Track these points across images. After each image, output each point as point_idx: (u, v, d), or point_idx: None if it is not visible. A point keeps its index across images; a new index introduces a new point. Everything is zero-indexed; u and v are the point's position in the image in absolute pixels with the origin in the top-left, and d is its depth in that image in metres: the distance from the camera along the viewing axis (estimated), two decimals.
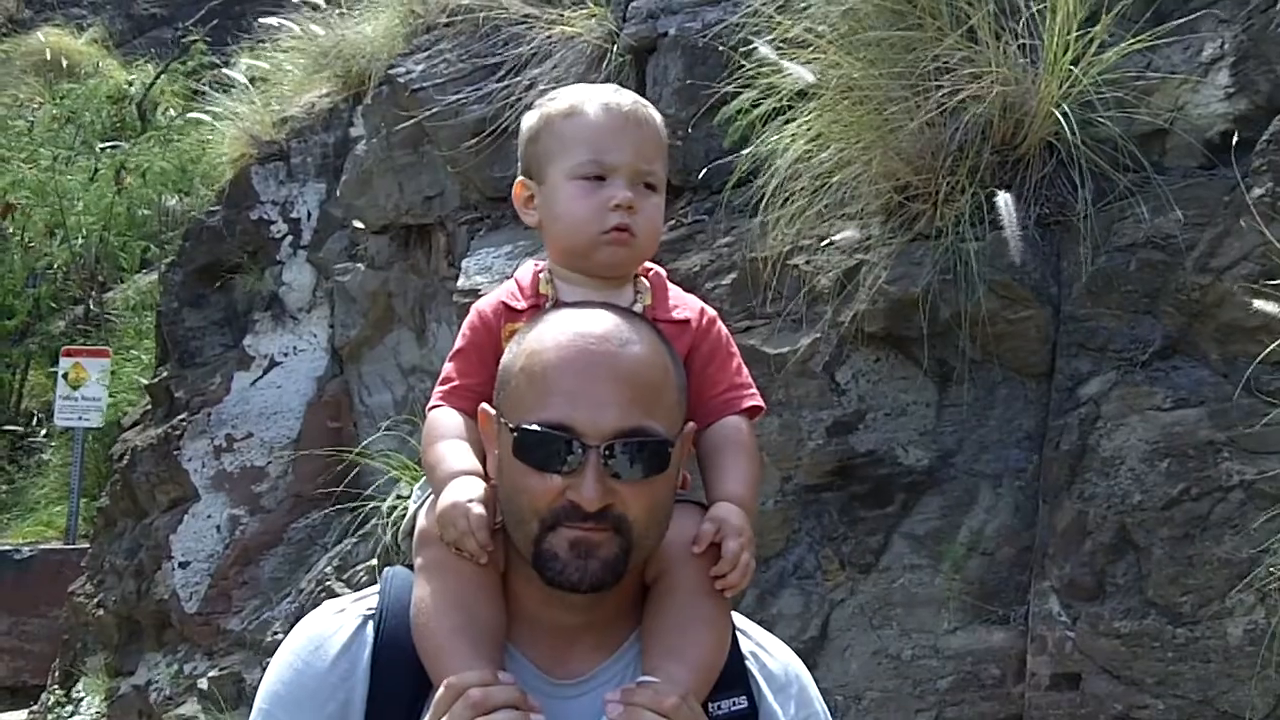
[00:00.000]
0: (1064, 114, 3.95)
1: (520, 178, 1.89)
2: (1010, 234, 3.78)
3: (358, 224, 7.18)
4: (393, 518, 6.18)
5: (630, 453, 1.57)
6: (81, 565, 8.38)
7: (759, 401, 1.85)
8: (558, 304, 1.77)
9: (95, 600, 7.86)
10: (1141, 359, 3.70)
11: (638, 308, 1.79)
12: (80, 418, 10.46)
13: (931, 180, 4.08)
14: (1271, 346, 3.40)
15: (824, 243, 4.29)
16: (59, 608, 8.48)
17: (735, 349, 1.87)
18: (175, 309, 8.20)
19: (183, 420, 7.63)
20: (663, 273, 1.89)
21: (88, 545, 8.79)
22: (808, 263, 4.35)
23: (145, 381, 9.08)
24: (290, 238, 7.78)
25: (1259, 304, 3.32)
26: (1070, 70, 4.00)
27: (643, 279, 1.86)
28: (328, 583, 6.50)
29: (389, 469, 6.61)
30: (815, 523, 4.15)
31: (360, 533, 6.59)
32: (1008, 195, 3.83)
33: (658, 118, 1.88)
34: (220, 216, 8.06)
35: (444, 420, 1.80)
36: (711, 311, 1.88)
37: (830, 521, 4.13)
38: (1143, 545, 3.50)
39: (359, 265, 7.22)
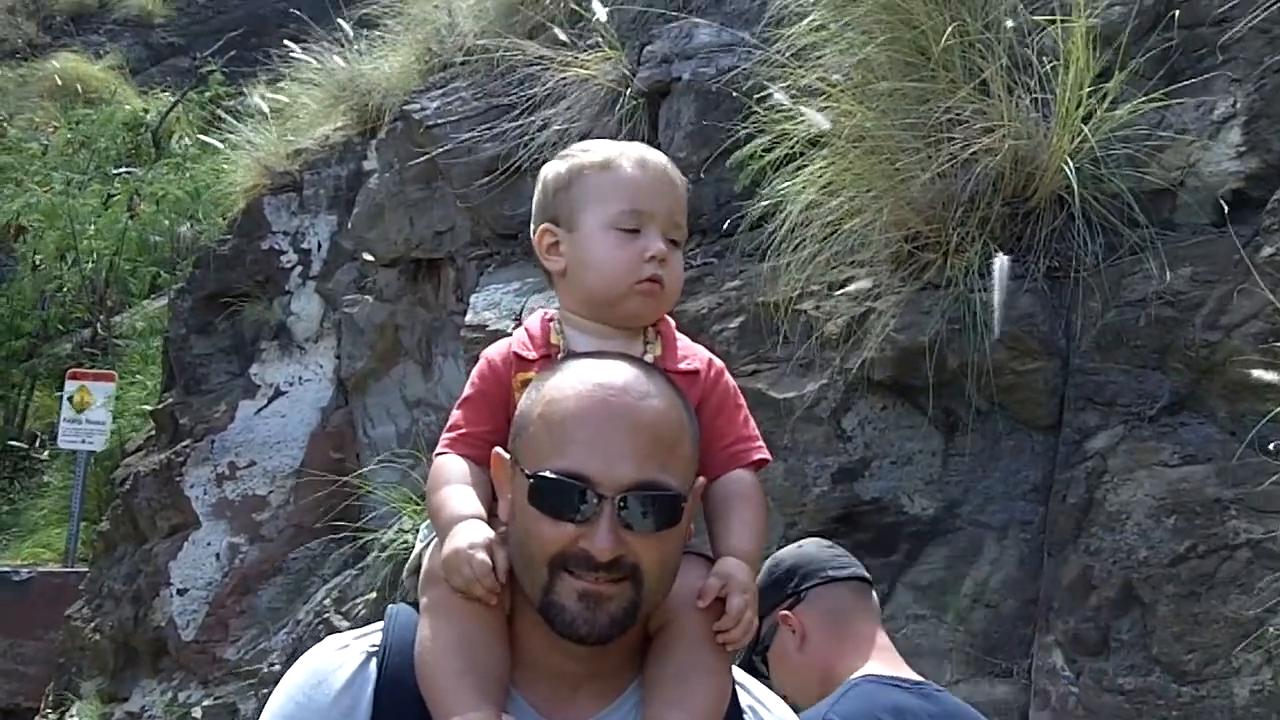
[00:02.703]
0: (1075, 169, 3.95)
1: (545, 225, 1.88)
2: (998, 298, 3.79)
3: (367, 256, 7.19)
4: (390, 551, 6.15)
5: (644, 505, 1.57)
6: (79, 589, 8.34)
7: (766, 454, 1.85)
8: (569, 354, 1.77)
9: (92, 624, 7.81)
10: (1149, 414, 3.67)
11: (648, 358, 1.79)
12: (84, 441, 10.44)
13: (942, 230, 4.07)
14: None
15: (833, 289, 4.28)
16: (55, 631, 8.43)
17: (742, 400, 1.87)
18: (183, 335, 8.21)
19: (186, 447, 7.62)
20: (671, 323, 1.89)
21: (86, 569, 8.74)
22: (817, 308, 4.34)
23: (150, 407, 9.06)
24: (300, 268, 7.81)
25: (1258, 373, 3.31)
26: (1082, 126, 4.00)
27: (651, 328, 1.86)
28: (325, 615, 6.46)
29: (390, 502, 6.59)
30: None
31: (360, 565, 6.56)
32: (1005, 259, 3.83)
33: (683, 179, 1.91)
34: (231, 245, 8.09)
35: (450, 466, 1.79)
36: (719, 362, 1.88)
37: None
38: (1148, 602, 3.47)
39: (367, 297, 7.22)
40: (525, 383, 1.74)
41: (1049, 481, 3.84)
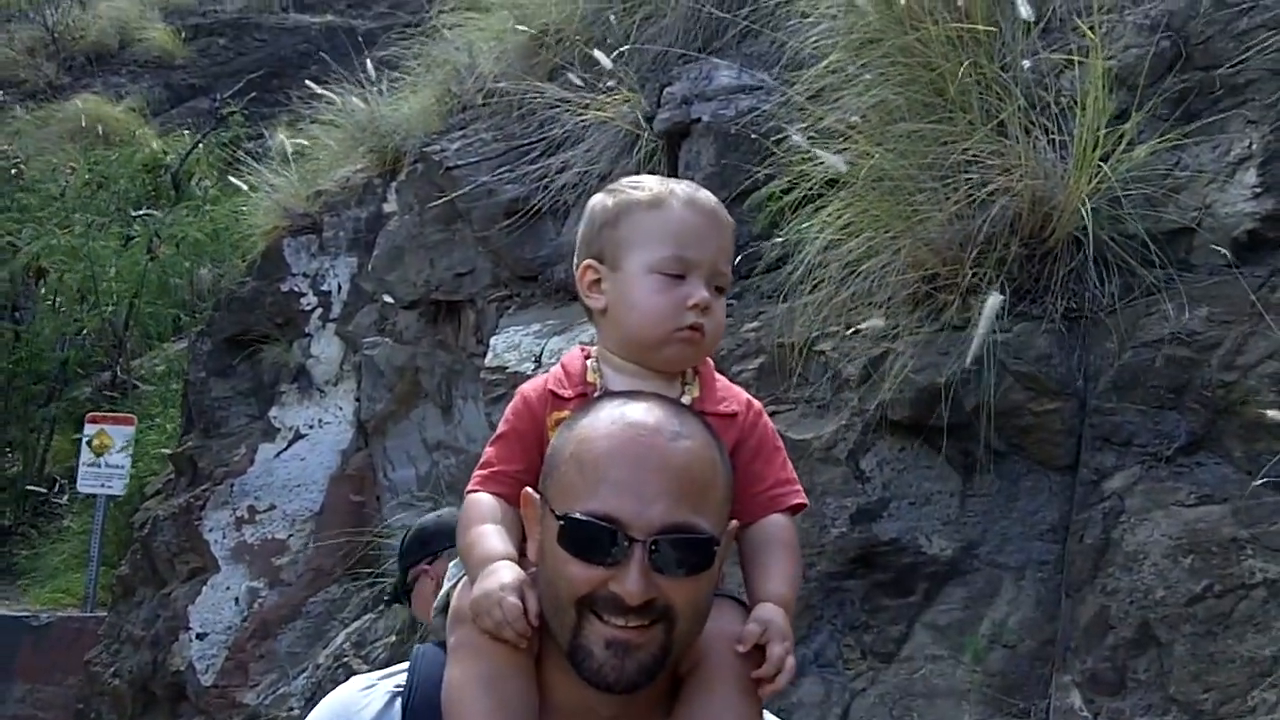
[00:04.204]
0: (1092, 209, 4.05)
1: (588, 260, 1.87)
2: (981, 330, 3.88)
3: (387, 298, 7.31)
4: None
5: (676, 548, 1.57)
6: (98, 633, 8.45)
7: (803, 499, 1.85)
8: (605, 393, 1.77)
9: (111, 669, 7.92)
10: (1166, 454, 3.76)
11: (686, 399, 1.80)
12: (103, 485, 10.57)
13: (959, 271, 4.17)
14: None
15: (850, 330, 4.38)
16: (75, 675, 8.54)
17: (780, 442, 1.87)
18: (202, 378, 8.34)
19: (205, 490, 7.73)
20: (710, 364, 1.89)
21: (105, 613, 8.86)
22: (834, 349, 4.44)
23: (169, 451, 9.19)
24: (320, 310, 7.92)
25: (1274, 413, 3.39)
26: (1099, 166, 4.10)
27: (690, 369, 1.86)
28: (345, 659, 6.55)
29: None
30: (837, 611, 4.20)
31: (379, 609, 6.64)
32: (999, 297, 3.92)
33: (732, 221, 1.90)
34: (251, 287, 8.22)
35: (482, 504, 1.79)
36: (758, 404, 1.88)
37: (852, 610, 4.18)
38: (1165, 641, 3.54)
39: (387, 340, 7.34)
40: (560, 421, 1.74)
41: (1066, 522, 3.93)
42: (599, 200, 1.90)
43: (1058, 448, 4.00)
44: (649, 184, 1.87)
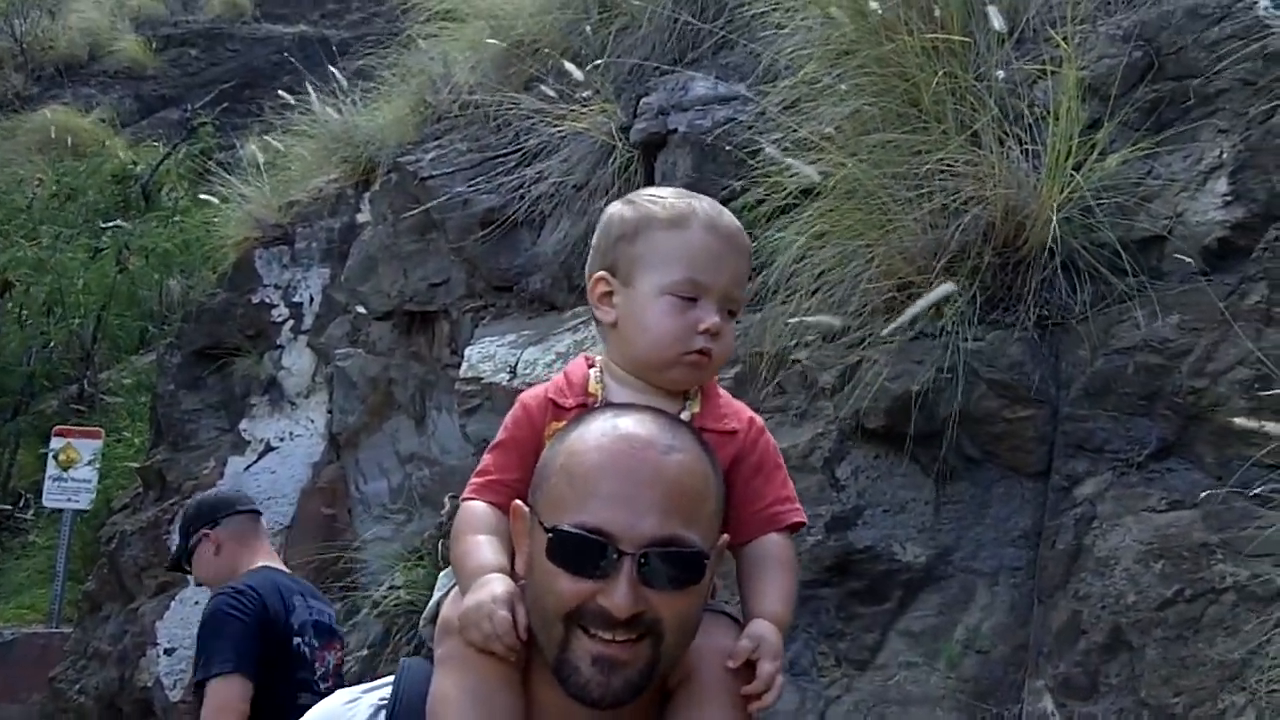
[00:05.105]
0: (1064, 218, 4.13)
1: (601, 272, 1.87)
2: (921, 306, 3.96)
3: (360, 309, 7.35)
4: (383, 608, 6.27)
5: (666, 562, 1.57)
6: (64, 650, 8.43)
7: (802, 517, 1.86)
8: (604, 405, 1.77)
9: (77, 686, 7.90)
10: (1137, 460, 3.83)
11: (685, 415, 1.80)
12: (70, 499, 10.54)
13: (933, 280, 4.24)
14: (1265, 450, 3.53)
15: (825, 339, 4.44)
16: (40, 693, 8.52)
17: (781, 460, 1.88)
18: (171, 391, 8.35)
19: (174, 504, 7.73)
20: (714, 380, 1.89)
21: (71, 629, 8.84)
22: (809, 358, 4.50)
23: (137, 464, 9.18)
24: (291, 322, 7.95)
25: (1243, 420, 3.47)
26: (1072, 175, 4.18)
27: None
28: None
29: (382, 558, 6.71)
30: (812, 619, 4.25)
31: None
32: (950, 286, 4.03)
33: (748, 244, 1.91)
34: (221, 299, 8.25)
35: (476, 513, 1.80)
36: (760, 421, 1.88)
37: (827, 618, 4.23)
38: (1136, 645, 3.61)
39: (360, 351, 7.37)
40: (558, 431, 1.73)
41: (1039, 528, 4.00)
42: (617, 211, 1.89)
43: (1030, 454, 4.07)
44: (670, 200, 1.86)
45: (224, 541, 4.37)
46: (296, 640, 4.19)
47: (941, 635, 4.01)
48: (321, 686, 4.17)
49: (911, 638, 4.06)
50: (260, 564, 4.37)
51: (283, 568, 4.53)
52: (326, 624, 4.40)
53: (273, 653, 4.11)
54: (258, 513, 4.60)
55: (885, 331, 4.15)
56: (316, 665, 4.25)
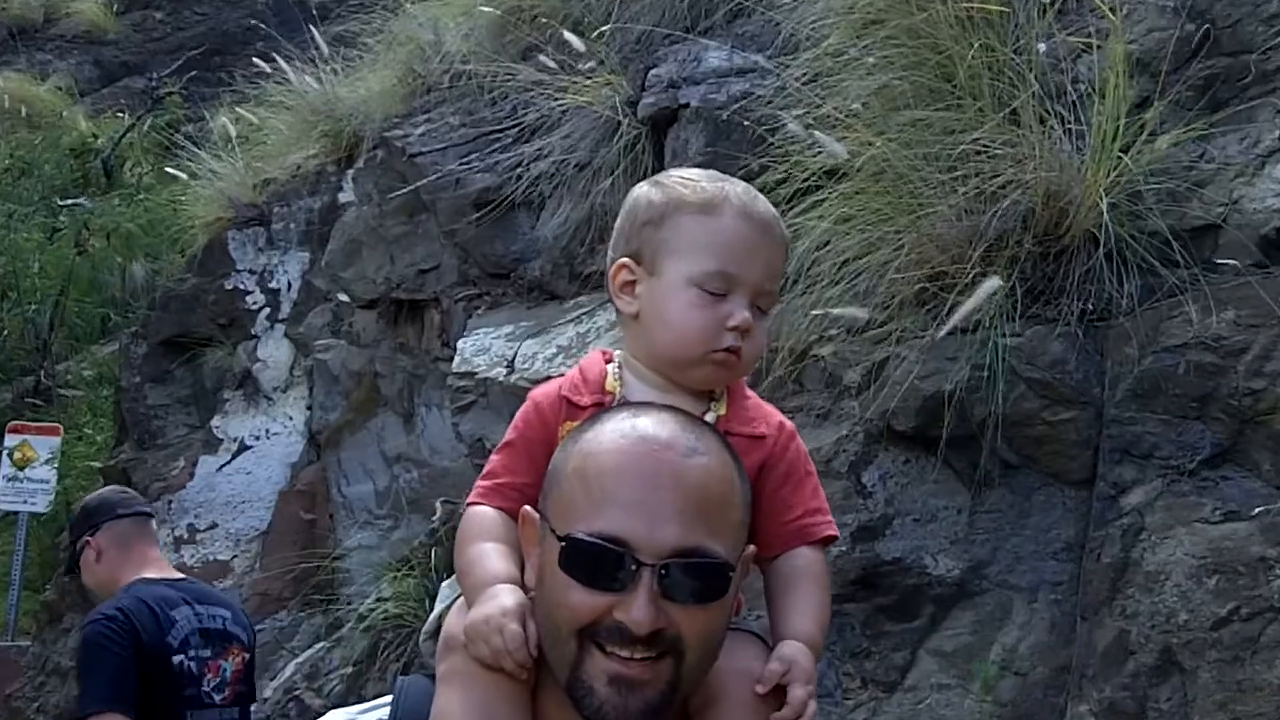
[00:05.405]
0: (1111, 204, 4.13)
1: (624, 259, 1.85)
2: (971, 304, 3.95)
3: (343, 297, 7.33)
4: (369, 622, 6.28)
5: (688, 574, 1.55)
6: (22, 664, 8.44)
7: (834, 530, 1.84)
8: (623, 403, 1.75)
9: (35, 704, 7.92)
10: (1189, 467, 3.85)
11: (710, 417, 1.77)
12: (25, 501, 10.52)
13: (967, 270, 4.25)
14: None
15: (851, 334, 4.45)
16: None
17: (812, 468, 1.86)
18: (137, 384, 8.34)
19: None
20: (742, 381, 1.86)
21: (29, 643, 8.85)
22: (833, 354, 4.51)
23: (100, 464, 9.18)
24: (267, 310, 7.93)
25: None
26: (1119, 158, 4.19)
27: None
28: (296, 691, 6.57)
29: (367, 567, 6.71)
30: (836, 636, 4.26)
31: (334, 637, 6.66)
32: (997, 281, 4.01)
33: (788, 233, 1.88)
34: (191, 284, 8.23)
35: (483, 519, 1.78)
36: (790, 425, 1.86)
37: (853, 635, 4.25)
38: (1189, 668, 3.63)
39: (342, 342, 7.35)
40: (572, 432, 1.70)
41: (1082, 540, 4.01)
42: (644, 192, 1.87)
43: (1073, 460, 4.09)
44: (701, 182, 1.83)
45: (104, 548, 4.37)
46: (178, 659, 4.19)
47: (976, 655, 4.02)
48: (216, 698, 4.26)
49: (944, 658, 4.08)
50: (138, 576, 4.32)
51: (168, 573, 4.49)
52: (219, 629, 4.37)
53: (154, 675, 4.13)
54: (147, 515, 4.59)
55: (938, 335, 4.13)
56: (207, 677, 4.27)
